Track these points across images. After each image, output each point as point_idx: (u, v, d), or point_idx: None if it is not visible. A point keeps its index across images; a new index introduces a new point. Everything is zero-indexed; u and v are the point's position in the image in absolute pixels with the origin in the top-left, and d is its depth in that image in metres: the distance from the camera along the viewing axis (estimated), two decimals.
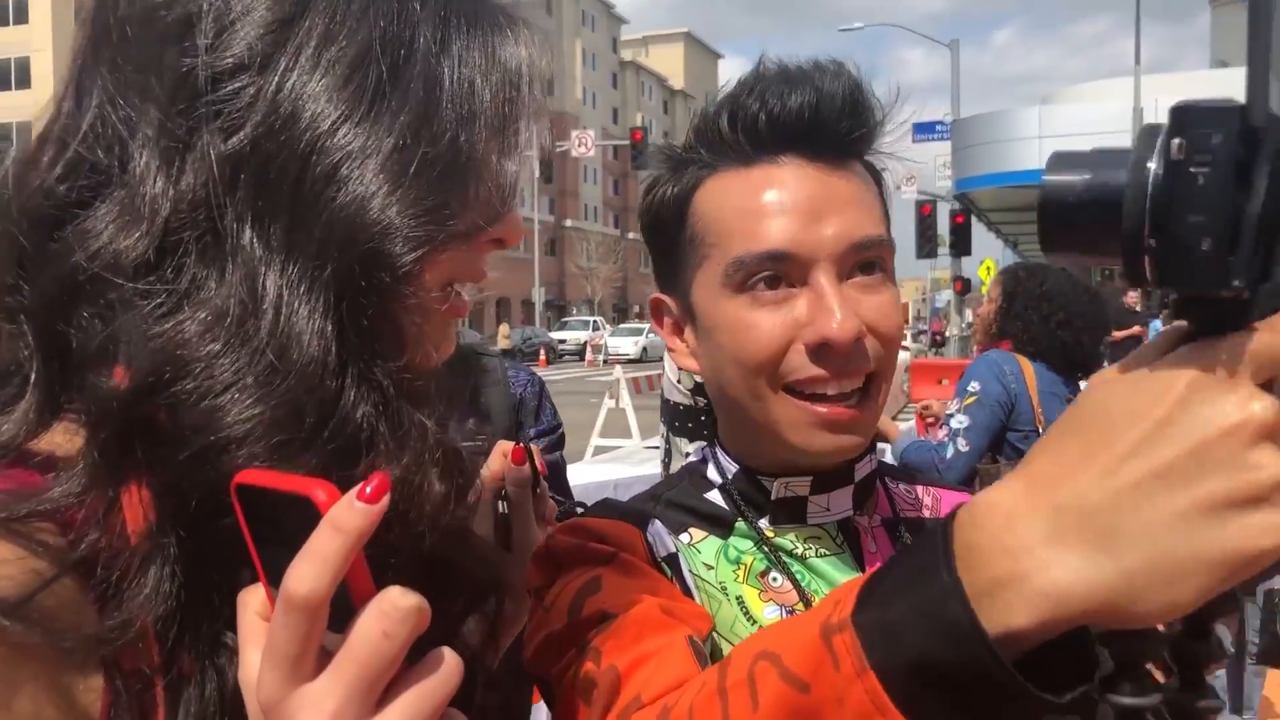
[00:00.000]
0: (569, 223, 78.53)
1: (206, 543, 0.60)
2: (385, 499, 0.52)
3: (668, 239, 1.02)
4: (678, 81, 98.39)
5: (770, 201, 0.93)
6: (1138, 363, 0.51)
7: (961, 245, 25.16)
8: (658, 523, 1.00)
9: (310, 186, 0.61)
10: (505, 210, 0.72)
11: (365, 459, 0.61)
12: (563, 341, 43.67)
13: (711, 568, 0.99)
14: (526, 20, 0.73)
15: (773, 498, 1.00)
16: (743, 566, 0.99)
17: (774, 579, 0.98)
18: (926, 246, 26.89)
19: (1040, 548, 0.50)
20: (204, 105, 0.62)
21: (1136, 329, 10.12)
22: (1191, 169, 0.44)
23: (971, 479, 3.27)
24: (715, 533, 1.01)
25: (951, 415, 3.42)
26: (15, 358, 0.63)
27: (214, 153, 0.61)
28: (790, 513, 1.00)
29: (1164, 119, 0.47)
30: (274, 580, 0.54)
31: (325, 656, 0.53)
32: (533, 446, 1.13)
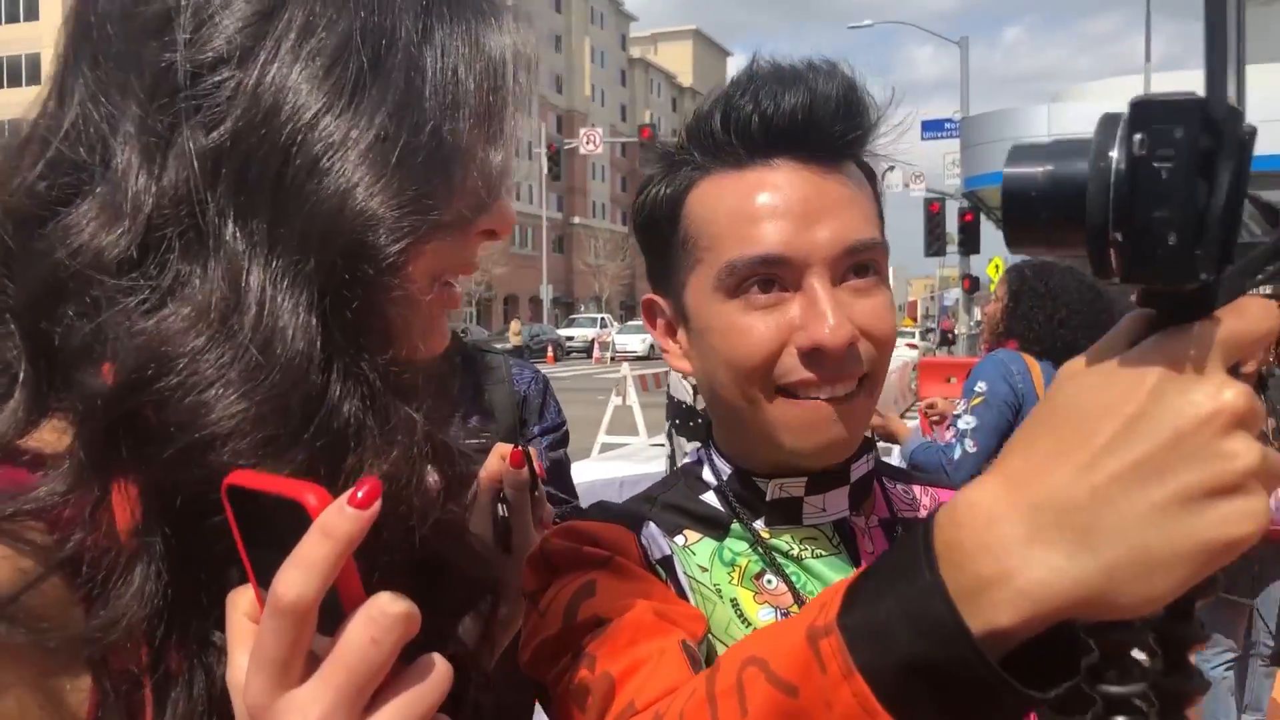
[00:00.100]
0: (577, 220, 78.57)
1: (194, 541, 0.59)
2: (376, 504, 0.52)
3: (660, 239, 1.01)
4: (686, 79, 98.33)
5: (763, 205, 0.92)
6: (1105, 354, 0.51)
7: (970, 243, 25.10)
8: (652, 525, 1.00)
9: (292, 179, 0.61)
10: (492, 200, 0.71)
11: (353, 454, 0.60)
12: (570, 339, 43.68)
13: (706, 570, 0.98)
14: (512, 7, 0.73)
15: (767, 499, 1.00)
16: (737, 569, 0.98)
17: (769, 581, 0.97)
18: (935, 244, 26.84)
19: (1021, 546, 0.50)
20: (184, 100, 0.61)
21: None
22: (1155, 164, 0.44)
23: None
24: (710, 535, 1.01)
25: (959, 416, 3.41)
26: (3, 357, 0.63)
27: (195, 148, 0.61)
28: (785, 514, 1.00)
29: None
30: (264, 582, 0.53)
31: (314, 661, 0.52)
32: (531, 449, 1.12)
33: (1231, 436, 0.46)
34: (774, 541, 0.99)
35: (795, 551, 0.99)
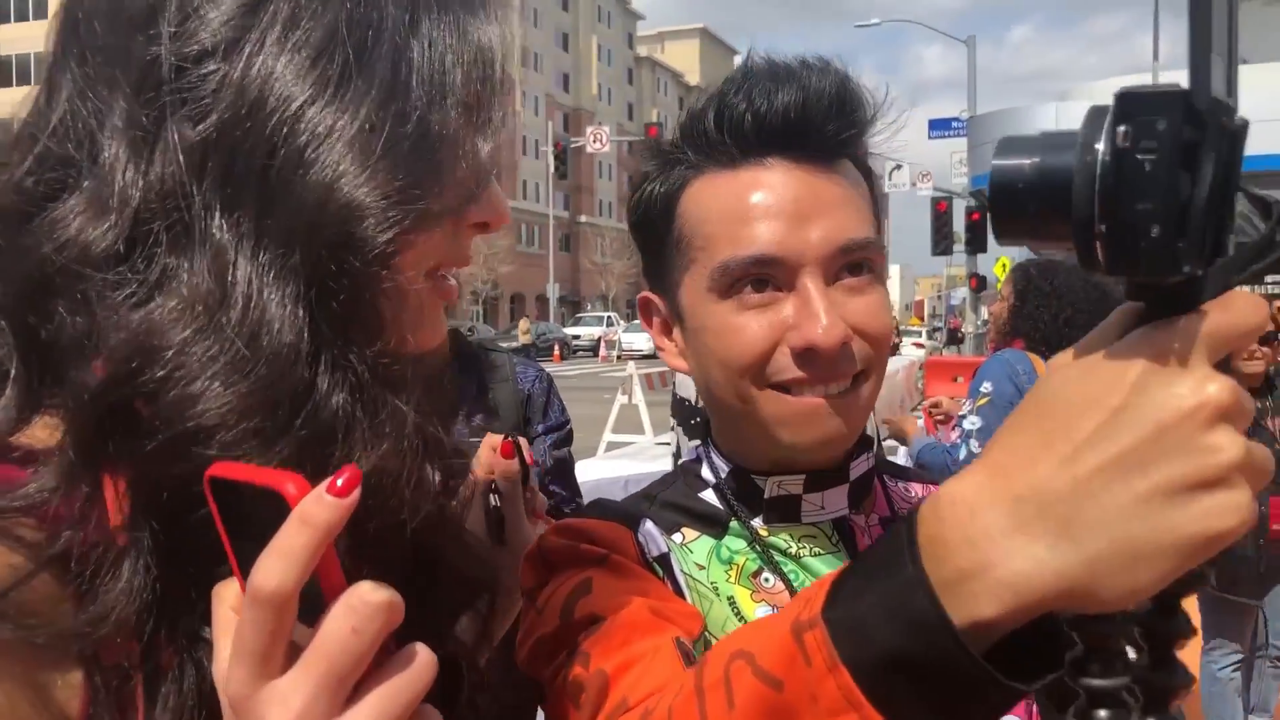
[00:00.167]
0: (584, 218, 78.61)
1: (182, 536, 0.59)
2: (356, 493, 0.51)
3: (655, 238, 1.01)
4: (693, 77, 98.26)
5: (756, 204, 0.92)
6: (1093, 347, 0.51)
7: (977, 242, 25.03)
8: (649, 522, 1.00)
9: (278, 171, 0.61)
10: (481, 190, 0.71)
11: (341, 446, 0.60)
12: (577, 337, 43.73)
13: (703, 568, 0.98)
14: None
15: (765, 497, 0.99)
16: (735, 567, 0.98)
17: (766, 579, 0.97)
18: (942, 243, 26.78)
19: (1003, 538, 0.50)
20: (171, 93, 0.61)
21: None
22: (1138, 156, 0.44)
23: None
24: (709, 533, 1.01)
25: (964, 416, 3.40)
26: None
27: (181, 141, 0.61)
28: (783, 512, 0.99)
29: None
30: (248, 574, 0.53)
31: (296, 651, 0.52)
32: (522, 440, 1.13)
33: (1214, 430, 0.46)
34: (772, 539, 0.99)
35: (793, 549, 0.98)
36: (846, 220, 0.93)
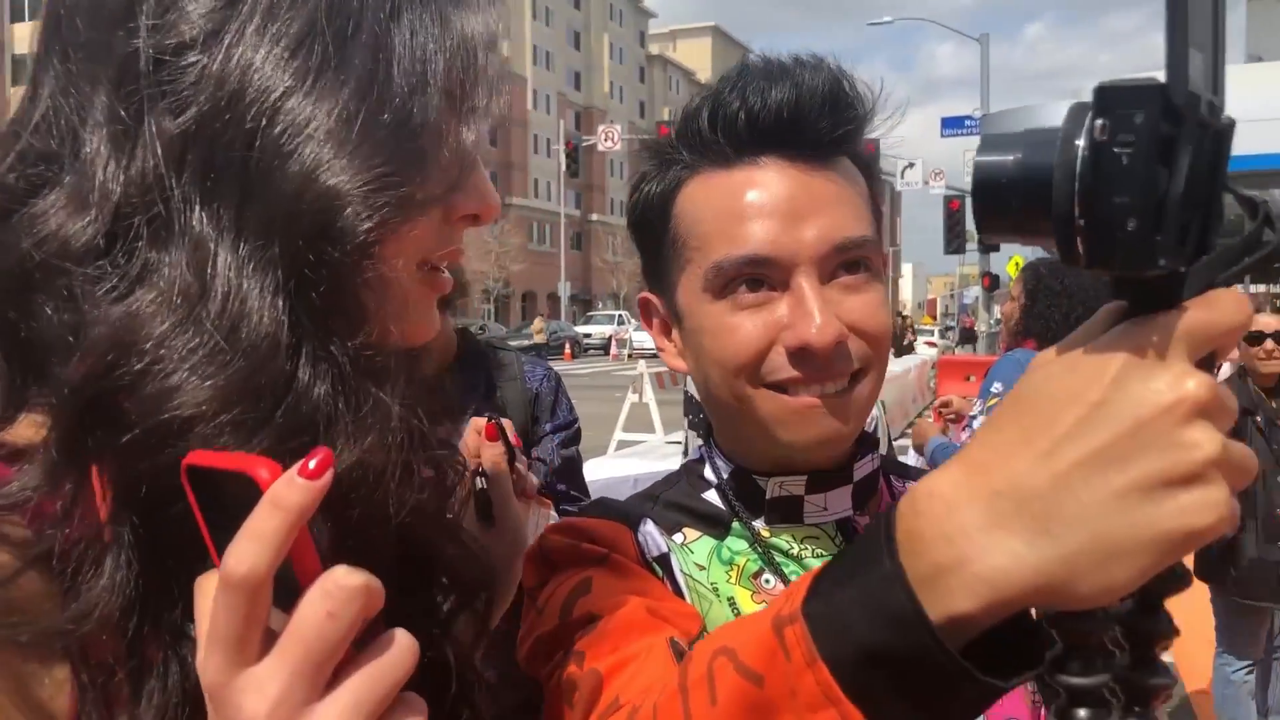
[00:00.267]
0: (595, 217, 78.64)
1: (164, 530, 0.59)
2: (329, 474, 0.51)
3: (653, 238, 1.01)
4: (705, 76, 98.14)
5: (750, 204, 0.92)
6: (1075, 343, 0.51)
7: (990, 241, 24.91)
8: (650, 522, 1.00)
9: (258, 162, 0.60)
10: (465, 179, 0.70)
11: (323, 438, 0.59)
12: (588, 335, 43.74)
13: (704, 568, 0.98)
14: None
15: (767, 497, 0.99)
16: (735, 567, 0.98)
17: (767, 580, 0.97)
18: (955, 242, 26.70)
19: (980, 533, 0.50)
20: (151, 86, 0.61)
21: None
22: (1115, 149, 0.44)
23: None
24: (711, 533, 1.00)
25: (974, 416, 3.39)
26: None
27: (161, 134, 0.61)
28: (785, 513, 0.99)
29: None
30: None
31: (273, 638, 0.51)
32: (505, 422, 1.14)
33: (1192, 426, 0.46)
34: (774, 540, 0.98)
35: (795, 551, 0.98)
36: (842, 218, 0.92)
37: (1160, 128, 0.44)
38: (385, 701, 0.52)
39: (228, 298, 0.59)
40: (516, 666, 0.93)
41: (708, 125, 0.94)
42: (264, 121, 0.60)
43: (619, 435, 11.40)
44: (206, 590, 0.54)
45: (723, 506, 1.01)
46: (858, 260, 0.93)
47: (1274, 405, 3.98)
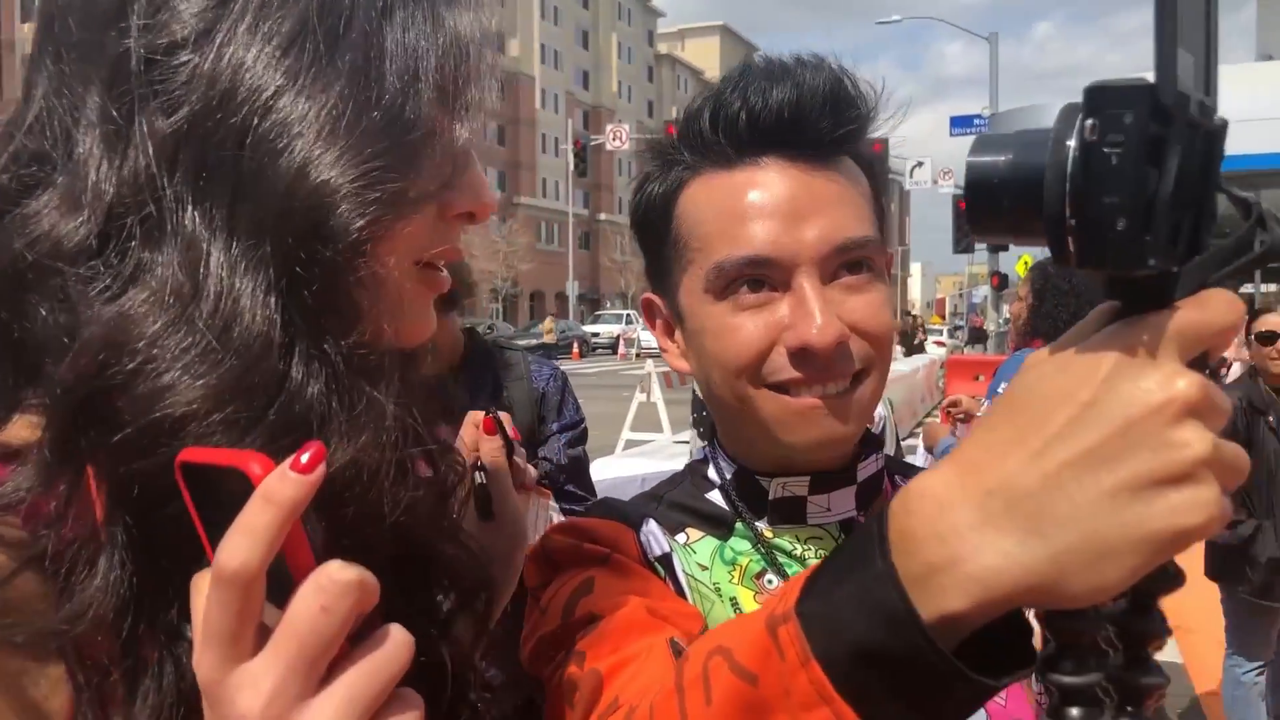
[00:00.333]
0: (603, 216, 78.70)
1: (158, 530, 0.59)
2: (321, 468, 0.50)
3: (656, 239, 1.01)
4: (713, 75, 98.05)
5: (751, 204, 0.92)
6: (1068, 343, 0.51)
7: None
8: (652, 522, 1.00)
9: (249, 161, 0.60)
10: (459, 176, 0.70)
11: (317, 437, 0.58)
12: (596, 335, 43.78)
13: (706, 568, 0.98)
14: None
15: (770, 498, 0.99)
16: (738, 568, 0.97)
17: (769, 581, 0.96)
18: (963, 241, 26.66)
19: (972, 532, 0.50)
20: (143, 86, 0.61)
21: None
22: (1105, 149, 0.44)
23: None
24: (714, 533, 1.00)
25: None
26: None
27: (153, 133, 0.61)
28: (788, 513, 0.98)
29: None
30: None
31: (267, 634, 0.51)
32: (503, 415, 1.14)
33: (1182, 425, 0.46)
34: (777, 541, 0.98)
35: (798, 551, 0.98)
36: (843, 219, 0.92)
37: (1149, 128, 0.44)
38: (380, 697, 0.52)
39: (220, 297, 0.59)
40: (520, 667, 0.93)
41: (709, 126, 0.94)
42: (255, 120, 0.60)
43: (627, 435, 11.39)
44: (202, 588, 0.54)
45: (726, 507, 1.01)
46: (859, 260, 0.92)
47: None
